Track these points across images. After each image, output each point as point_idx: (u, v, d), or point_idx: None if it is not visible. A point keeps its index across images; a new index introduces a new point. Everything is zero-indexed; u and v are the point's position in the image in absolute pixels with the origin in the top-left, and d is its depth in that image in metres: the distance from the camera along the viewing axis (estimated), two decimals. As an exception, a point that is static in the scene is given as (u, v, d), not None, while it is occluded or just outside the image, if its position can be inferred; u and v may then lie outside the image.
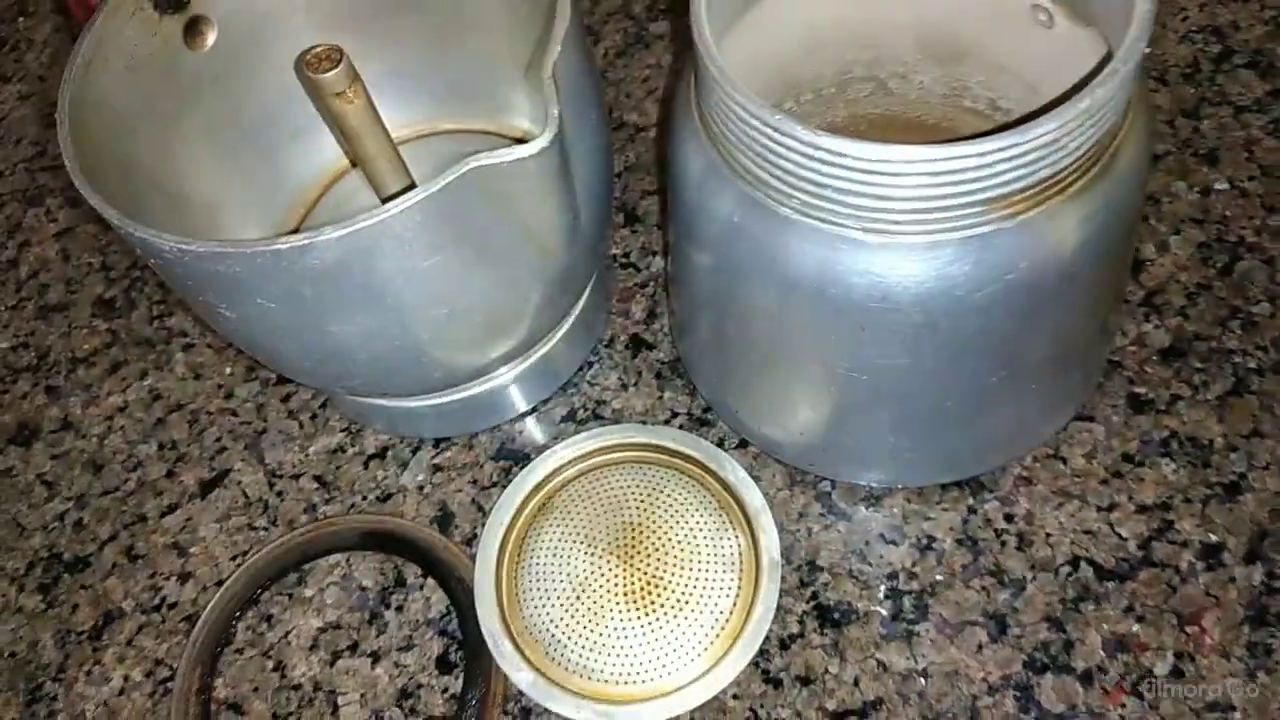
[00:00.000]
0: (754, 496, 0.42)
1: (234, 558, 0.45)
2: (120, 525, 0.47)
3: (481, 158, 0.31)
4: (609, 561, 0.40)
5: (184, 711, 0.41)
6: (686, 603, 0.39)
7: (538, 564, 0.41)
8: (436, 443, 0.46)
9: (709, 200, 0.34)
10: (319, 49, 0.37)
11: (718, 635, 0.39)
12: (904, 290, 0.31)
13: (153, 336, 0.52)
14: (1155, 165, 0.49)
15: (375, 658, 0.41)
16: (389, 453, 0.46)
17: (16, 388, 0.52)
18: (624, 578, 0.40)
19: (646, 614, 0.39)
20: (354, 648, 0.42)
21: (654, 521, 0.41)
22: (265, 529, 0.45)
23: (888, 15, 0.42)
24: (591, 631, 0.39)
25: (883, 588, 0.40)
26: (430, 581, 0.43)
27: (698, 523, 0.41)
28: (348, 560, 0.44)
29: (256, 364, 0.50)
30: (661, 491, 0.42)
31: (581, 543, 0.41)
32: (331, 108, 0.38)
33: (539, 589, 0.41)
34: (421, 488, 0.45)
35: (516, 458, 0.45)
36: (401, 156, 0.42)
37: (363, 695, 0.41)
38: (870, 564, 0.41)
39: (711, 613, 0.39)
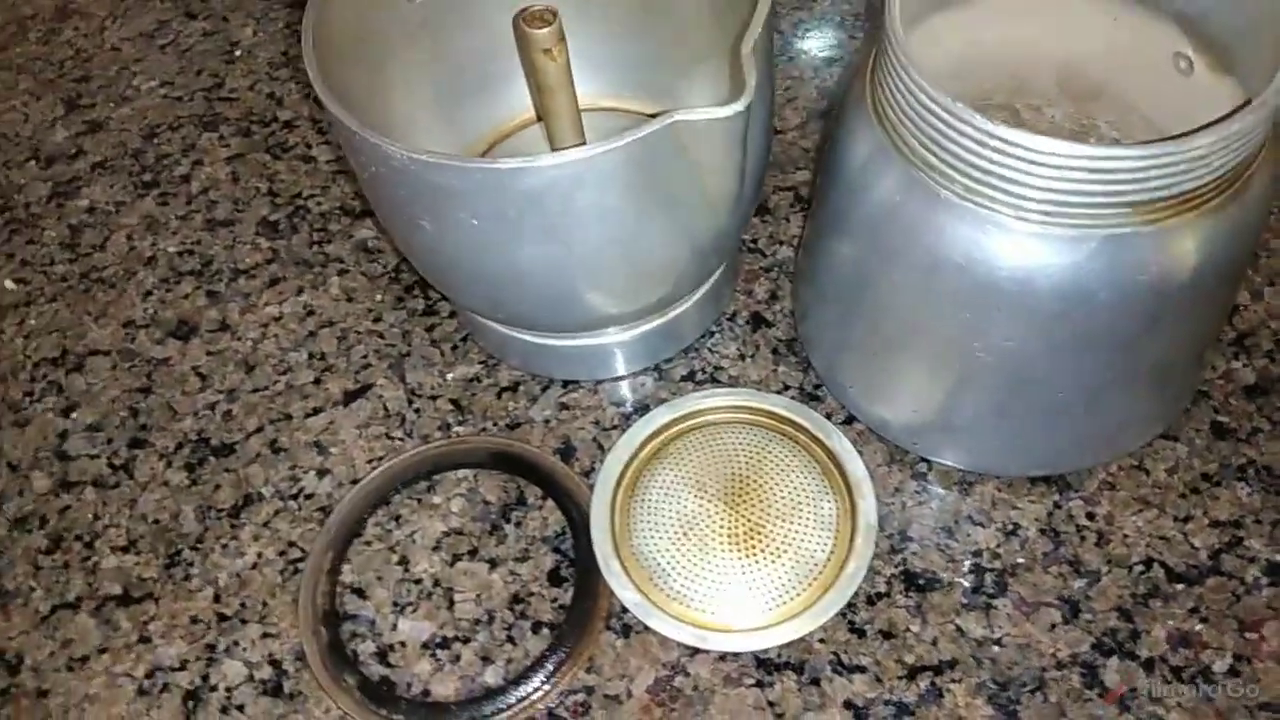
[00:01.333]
0: (856, 466, 0.45)
1: (370, 461, 0.49)
2: (266, 420, 0.51)
3: (683, 113, 0.36)
4: (716, 506, 0.44)
5: (313, 587, 0.45)
6: (784, 552, 0.43)
7: (650, 499, 0.45)
8: (565, 384, 0.50)
9: (872, 180, 0.38)
10: (538, 8, 0.41)
11: (810, 584, 0.43)
12: (1044, 277, 0.35)
13: (311, 259, 0.57)
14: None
15: (492, 564, 0.45)
16: (520, 387, 0.51)
17: (179, 288, 0.57)
18: (728, 522, 0.44)
19: (746, 556, 0.43)
20: (474, 553, 0.46)
21: (761, 476, 0.45)
22: (401, 440, 0.50)
23: (1035, 49, 0.46)
24: (694, 565, 0.43)
25: (967, 563, 0.44)
26: (549, 503, 0.47)
27: (801, 483, 0.45)
28: (475, 476, 0.48)
29: (405, 295, 0.55)
30: (770, 451, 0.46)
31: (692, 486, 0.45)
32: (535, 62, 0.42)
33: (649, 521, 0.44)
34: (548, 421, 0.49)
35: (636, 407, 0.50)
36: (581, 118, 0.46)
37: (478, 595, 0.45)
38: (957, 540, 0.44)
39: (807, 564, 0.43)
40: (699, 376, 0.50)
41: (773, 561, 0.43)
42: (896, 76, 0.35)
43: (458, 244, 0.40)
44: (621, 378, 0.50)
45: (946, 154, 0.34)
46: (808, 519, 0.44)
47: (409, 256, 0.46)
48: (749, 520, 0.44)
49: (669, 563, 0.43)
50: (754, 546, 0.43)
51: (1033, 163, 0.32)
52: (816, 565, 0.43)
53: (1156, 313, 0.36)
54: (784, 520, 0.44)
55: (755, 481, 0.45)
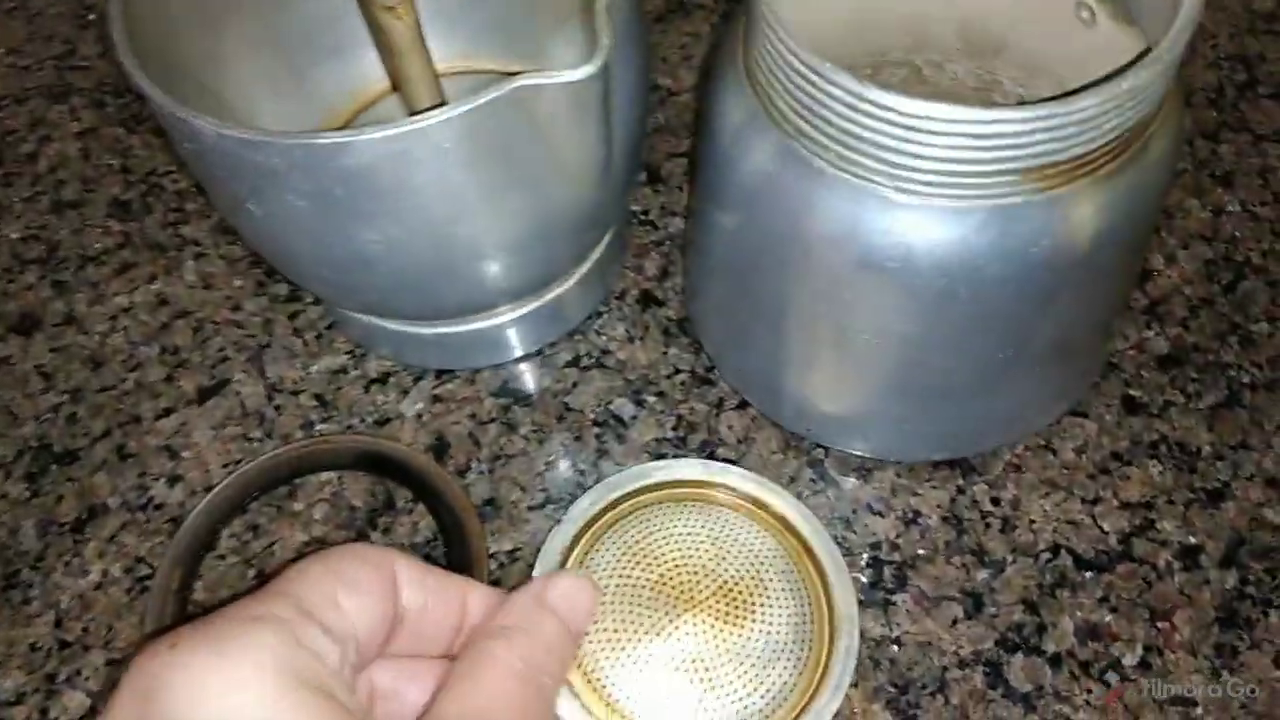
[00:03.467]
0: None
1: (225, 465, 0.45)
2: (114, 423, 0.47)
3: (528, 77, 0.32)
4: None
5: (160, 609, 0.41)
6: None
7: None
8: (438, 374, 0.47)
9: (745, 150, 0.34)
10: (375, -39, 0.37)
11: None
12: (927, 253, 0.32)
13: (165, 242, 0.52)
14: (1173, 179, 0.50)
15: (358, 574, 0.42)
16: (390, 379, 0.47)
17: (23, 278, 0.52)
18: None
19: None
20: (338, 563, 0.42)
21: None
22: (260, 441, 0.46)
23: (932, 4, 0.42)
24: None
25: (865, 556, 0.41)
26: (420, 507, 0.43)
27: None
28: (340, 479, 0.44)
29: (266, 279, 0.50)
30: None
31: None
32: (380, 21, 0.38)
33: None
34: (420, 416, 0.46)
35: (517, 397, 0.46)
36: (440, 83, 0.42)
37: (342, 610, 0.41)
38: (855, 532, 0.41)
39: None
40: (584, 362, 0.47)
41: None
42: (764, 35, 0.31)
43: (287, 228, 0.36)
44: (500, 365, 0.47)
45: (819, 120, 0.31)
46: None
47: (247, 242, 0.42)
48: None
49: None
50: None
51: (908, 128, 0.29)
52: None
53: (1053, 287, 0.33)
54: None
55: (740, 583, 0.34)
